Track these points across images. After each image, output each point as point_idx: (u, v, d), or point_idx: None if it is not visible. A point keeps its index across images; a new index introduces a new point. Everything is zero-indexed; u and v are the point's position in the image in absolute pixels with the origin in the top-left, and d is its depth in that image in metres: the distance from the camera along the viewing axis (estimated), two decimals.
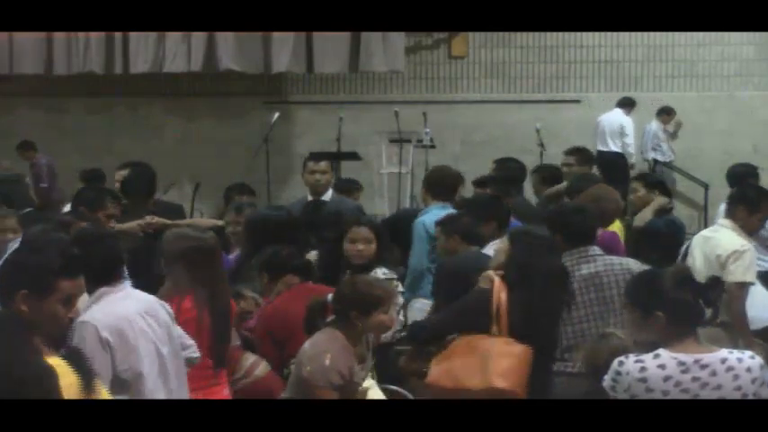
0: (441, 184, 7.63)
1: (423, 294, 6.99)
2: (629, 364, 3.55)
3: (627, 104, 12.81)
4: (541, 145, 11.66)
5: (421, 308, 6.83)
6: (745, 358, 3.59)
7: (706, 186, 12.88)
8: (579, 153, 9.05)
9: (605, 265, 5.16)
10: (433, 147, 11.49)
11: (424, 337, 4.99)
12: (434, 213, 7.25)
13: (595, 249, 5.29)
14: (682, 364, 3.53)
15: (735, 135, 12.85)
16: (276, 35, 11.68)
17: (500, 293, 4.90)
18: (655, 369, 3.52)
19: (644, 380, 3.52)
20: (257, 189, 11.14)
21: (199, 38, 11.78)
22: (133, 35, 11.81)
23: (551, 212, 5.85)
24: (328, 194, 8.11)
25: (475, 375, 4.72)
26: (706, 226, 12.69)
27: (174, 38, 11.82)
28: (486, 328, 4.85)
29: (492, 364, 4.72)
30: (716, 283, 3.90)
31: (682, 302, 3.59)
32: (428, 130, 11.61)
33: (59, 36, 12.00)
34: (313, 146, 11.56)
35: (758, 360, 3.61)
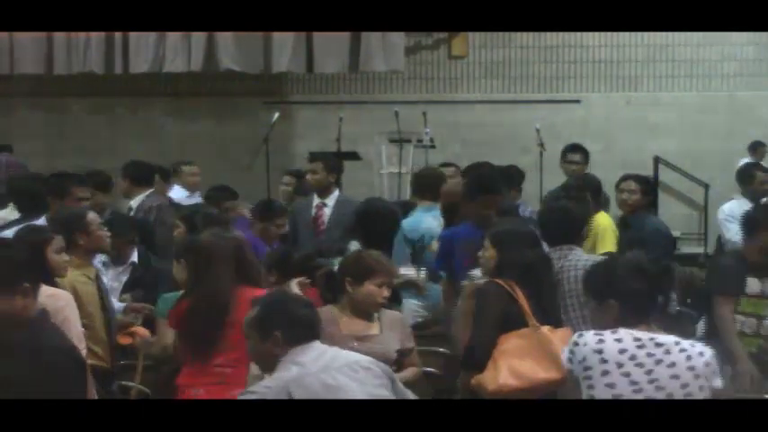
0: (425, 184, 7.70)
1: (409, 295, 7.03)
2: (588, 336, 3.74)
3: (751, 148, 12.57)
4: (541, 145, 11.65)
5: (410, 309, 6.88)
6: (698, 344, 3.77)
7: (706, 186, 12.88)
8: (583, 151, 9.10)
9: (573, 260, 5.46)
10: (433, 147, 11.49)
11: (479, 357, 4.97)
12: (416, 217, 7.34)
13: (574, 249, 5.41)
14: (638, 339, 3.70)
15: (735, 135, 12.84)
16: (276, 35, 11.67)
17: (515, 289, 4.94)
18: (612, 342, 3.69)
19: (600, 351, 3.69)
20: (257, 189, 11.18)
21: (199, 38, 11.77)
22: (133, 35, 11.81)
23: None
24: (334, 195, 8.14)
25: (548, 367, 4.76)
26: (706, 226, 12.79)
27: (174, 38, 11.81)
28: (515, 323, 4.89)
29: (558, 351, 4.78)
30: (668, 270, 4.03)
31: (633, 291, 3.78)
32: (428, 130, 11.60)
33: (59, 36, 11.99)
34: (313, 146, 11.56)
35: (711, 350, 3.77)
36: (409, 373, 5.04)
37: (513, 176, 9.02)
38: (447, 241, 6.78)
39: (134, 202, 8.24)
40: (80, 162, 11.34)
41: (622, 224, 7.52)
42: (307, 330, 4.07)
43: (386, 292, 5.03)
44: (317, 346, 4.06)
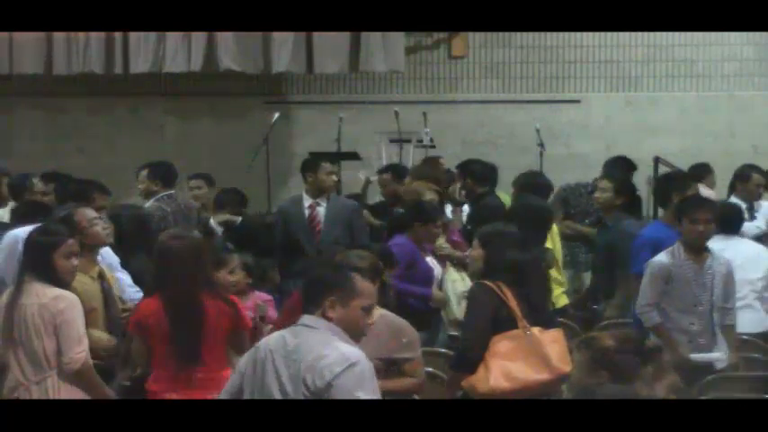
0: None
1: None
2: None
3: None
4: (541, 145, 11.65)
5: None
6: None
7: None
8: None
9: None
10: (433, 147, 11.48)
11: (471, 360, 4.96)
12: None
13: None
14: None
15: (735, 135, 12.84)
16: (276, 35, 11.66)
17: (504, 290, 4.93)
18: None
19: None
20: (257, 189, 11.17)
21: (199, 38, 11.75)
22: (133, 35, 11.79)
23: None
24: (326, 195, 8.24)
25: (539, 368, 4.77)
26: None
27: (174, 38, 11.79)
28: (505, 325, 4.89)
29: (549, 352, 4.77)
30: None
31: None
32: (428, 130, 11.58)
33: (59, 36, 11.97)
34: (313, 146, 11.55)
35: None
36: (398, 383, 4.94)
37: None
38: (650, 242, 6.75)
39: (148, 204, 8.15)
40: (80, 162, 11.33)
41: (600, 224, 7.90)
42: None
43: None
44: (300, 323, 4.08)
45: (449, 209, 8.23)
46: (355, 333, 4.06)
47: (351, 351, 3.94)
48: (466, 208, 8.63)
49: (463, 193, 8.35)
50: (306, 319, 4.04)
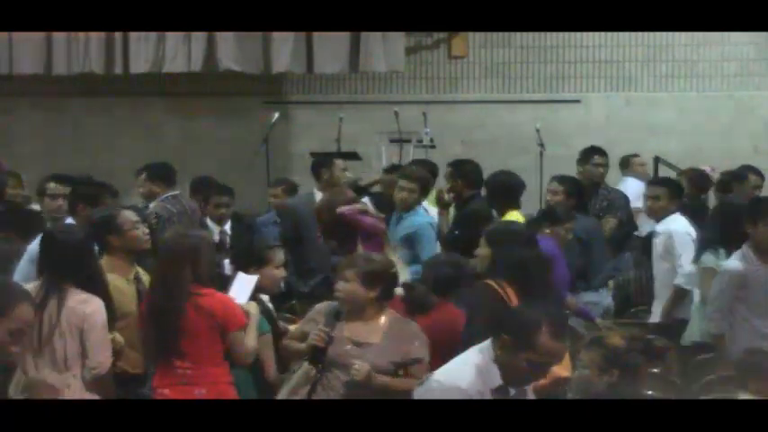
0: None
1: None
2: None
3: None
4: (541, 145, 11.65)
5: None
6: None
7: None
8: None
9: None
10: (433, 147, 11.48)
11: None
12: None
13: None
14: None
15: (735, 135, 12.84)
16: (276, 35, 11.66)
17: (506, 290, 4.92)
18: None
19: None
20: (257, 189, 11.18)
21: (199, 38, 11.76)
22: (133, 35, 11.79)
23: None
24: None
25: None
26: None
27: (174, 38, 11.80)
28: None
29: None
30: None
31: None
32: (428, 130, 11.59)
33: (59, 36, 11.97)
34: (313, 146, 11.56)
35: None
36: (404, 383, 4.89)
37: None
38: None
39: (152, 204, 8.11)
40: (80, 162, 11.33)
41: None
42: None
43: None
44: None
45: (434, 210, 8.12)
46: (509, 378, 4.08)
47: (444, 380, 4.11)
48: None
49: (452, 195, 8.10)
50: (489, 340, 4.14)
